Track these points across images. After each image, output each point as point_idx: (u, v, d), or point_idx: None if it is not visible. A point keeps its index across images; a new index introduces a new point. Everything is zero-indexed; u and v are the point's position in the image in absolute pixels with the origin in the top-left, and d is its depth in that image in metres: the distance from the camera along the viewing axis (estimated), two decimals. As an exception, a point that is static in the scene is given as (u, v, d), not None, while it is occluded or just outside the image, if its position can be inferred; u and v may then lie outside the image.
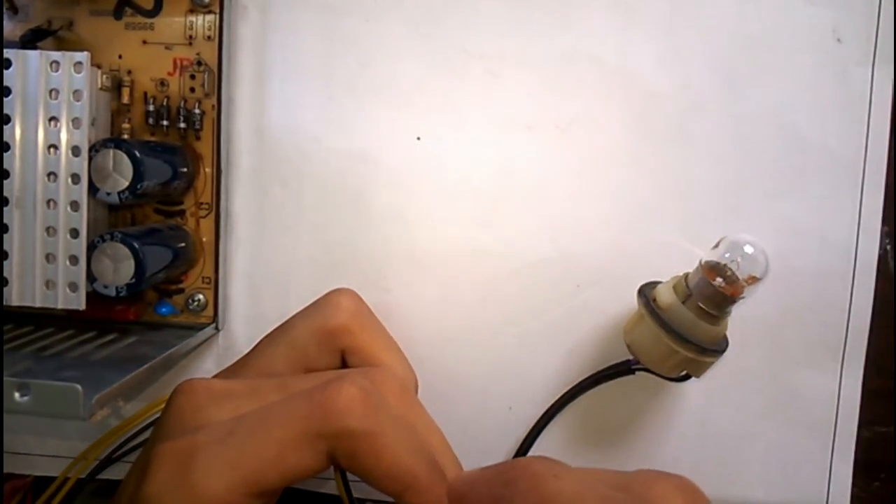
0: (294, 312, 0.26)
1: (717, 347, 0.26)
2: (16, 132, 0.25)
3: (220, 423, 0.20)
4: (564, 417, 0.30)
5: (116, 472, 0.30)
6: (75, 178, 0.25)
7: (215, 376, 0.23)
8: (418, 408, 0.23)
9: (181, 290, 0.30)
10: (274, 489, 0.19)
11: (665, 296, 0.26)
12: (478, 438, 0.30)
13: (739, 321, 0.28)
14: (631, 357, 0.28)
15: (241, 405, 0.20)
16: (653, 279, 0.28)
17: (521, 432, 0.30)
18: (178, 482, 0.18)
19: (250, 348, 0.26)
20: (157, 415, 0.29)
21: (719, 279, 0.25)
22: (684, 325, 0.25)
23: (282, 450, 0.19)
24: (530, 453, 0.30)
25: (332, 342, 0.23)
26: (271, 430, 0.19)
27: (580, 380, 0.29)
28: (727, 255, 0.26)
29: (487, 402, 0.30)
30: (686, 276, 0.26)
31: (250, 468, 0.19)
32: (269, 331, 0.26)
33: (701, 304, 0.25)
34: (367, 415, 0.20)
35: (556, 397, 0.30)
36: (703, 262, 0.26)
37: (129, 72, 0.29)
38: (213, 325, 0.30)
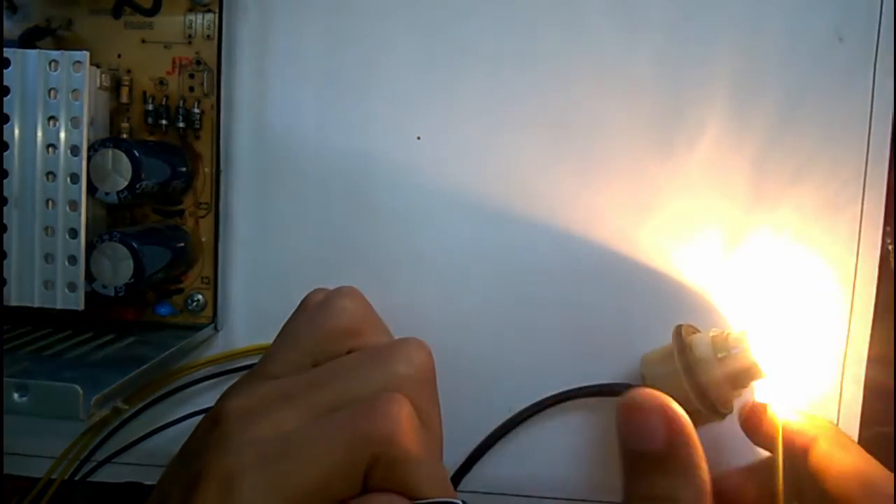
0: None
1: (727, 411, 0.26)
2: (14, 132, 0.25)
3: (265, 440, 0.19)
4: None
5: (106, 475, 0.30)
6: (74, 178, 0.25)
7: (230, 389, 0.23)
8: (435, 407, 0.23)
9: (180, 291, 0.30)
10: None
11: (701, 348, 0.26)
12: (478, 438, 0.30)
13: (740, 321, 0.28)
14: (636, 384, 0.27)
15: (281, 416, 0.20)
16: (653, 280, 0.28)
17: (532, 433, 0.30)
18: None
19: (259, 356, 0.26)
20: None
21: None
22: (710, 383, 0.26)
23: (326, 477, 0.19)
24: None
25: (339, 343, 0.23)
26: (316, 455, 0.19)
27: (581, 385, 0.29)
28: None
29: (488, 402, 0.30)
30: (728, 335, 0.26)
31: (295, 494, 0.19)
32: (267, 331, 0.25)
33: (734, 371, 0.25)
34: (409, 440, 0.20)
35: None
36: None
37: (129, 71, 0.29)
38: (213, 325, 0.30)
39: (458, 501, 0.20)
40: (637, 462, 0.23)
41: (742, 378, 0.26)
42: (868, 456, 0.25)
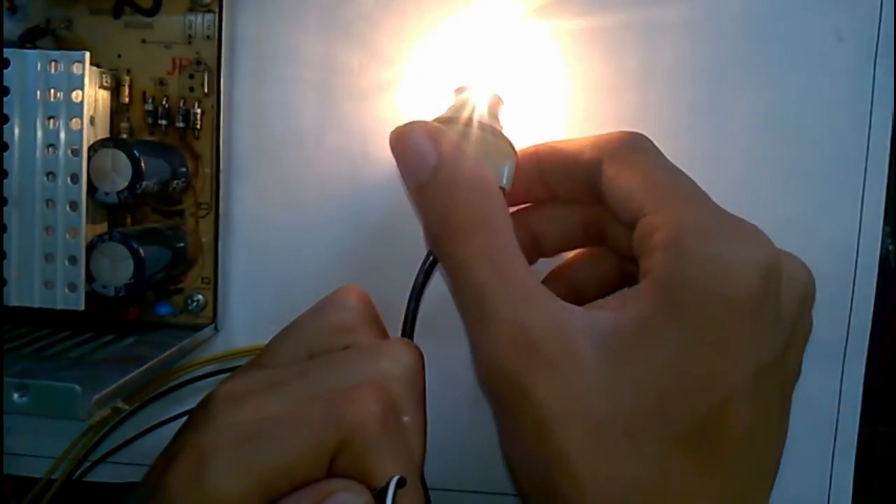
0: (293, 312, 0.26)
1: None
2: (14, 132, 0.25)
3: (244, 422, 0.20)
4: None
5: (104, 475, 0.30)
6: (74, 178, 0.25)
7: (230, 376, 0.23)
8: (418, 409, 0.23)
9: (180, 291, 0.30)
10: (282, 497, 0.20)
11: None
12: (477, 438, 0.30)
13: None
14: None
15: (263, 401, 0.21)
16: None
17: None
18: (195, 481, 0.19)
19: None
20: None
21: None
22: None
23: (293, 458, 0.19)
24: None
25: (335, 339, 0.23)
26: (286, 437, 0.19)
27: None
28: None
29: (484, 403, 0.30)
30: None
31: (263, 475, 0.19)
32: (267, 331, 0.26)
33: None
34: (378, 431, 0.20)
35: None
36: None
37: (128, 71, 0.29)
38: (213, 325, 0.30)
39: (397, 476, 0.20)
40: (422, 190, 0.22)
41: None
42: (662, 162, 0.23)
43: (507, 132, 0.25)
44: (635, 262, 0.22)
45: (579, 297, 0.24)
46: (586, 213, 0.26)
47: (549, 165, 0.25)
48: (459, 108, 0.25)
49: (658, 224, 0.21)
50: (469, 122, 0.24)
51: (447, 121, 0.24)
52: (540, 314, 0.20)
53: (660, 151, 0.23)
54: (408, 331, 0.25)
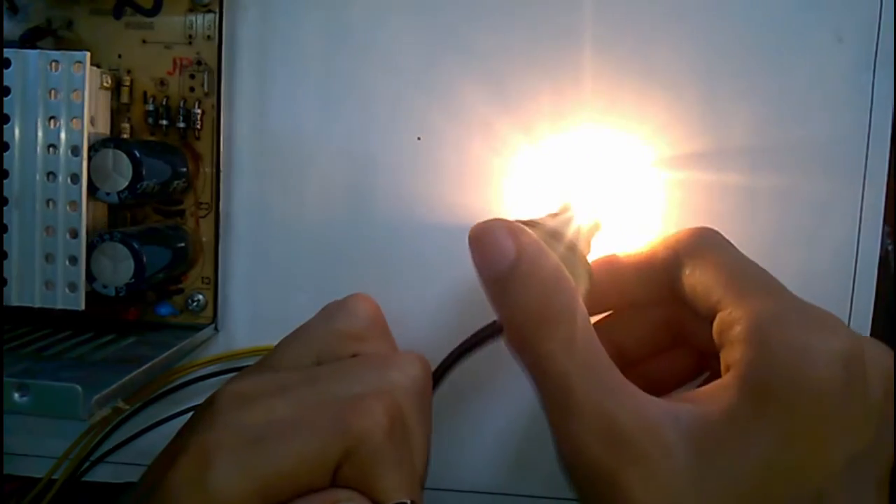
0: (293, 313, 0.26)
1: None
2: (15, 132, 0.25)
3: (250, 425, 0.20)
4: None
5: (104, 474, 0.30)
6: (75, 178, 0.25)
7: (238, 376, 0.23)
8: (423, 423, 0.23)
9: (181, 291, 0.30)
10: (286, 502, 0.20)
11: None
12: (480, 441, 0.30)
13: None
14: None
15: (271, 404, 0.20)
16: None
17: (528, 434, 0.30)
18: (197, 480, 0.19)
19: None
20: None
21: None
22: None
23: (298, 465, 0.19)
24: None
25: (345, 346, 0.23)
26: (292, 442, 0.19)
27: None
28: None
29: (490, 404, 0.30)
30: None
31: (266, 479, 0.19)
32: (267, 332, 0.26)
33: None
34: (383, 443, 0.20)
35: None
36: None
37: (129, 71, 0.29)
38: (213, 325, 0.30)
39: (407, 501, 0.19)
40: (501, 283, 0.22)
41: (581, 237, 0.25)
42: (736, 255, 0.23)
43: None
44: (716, 357, 0.22)
45: (657, 393, 0.24)
46: (663, 314, 0.26)
47: (621, 272, 0.26)
48: (560, 223, 0.25)
49: (737, 317, 0.21)
50: (565, 242, 0.24)
51: (547, 233, 0.24)
52: (627, 406, 0.20)
53: (732, 244, 0.24)
54: (436, 377, 0.25)
